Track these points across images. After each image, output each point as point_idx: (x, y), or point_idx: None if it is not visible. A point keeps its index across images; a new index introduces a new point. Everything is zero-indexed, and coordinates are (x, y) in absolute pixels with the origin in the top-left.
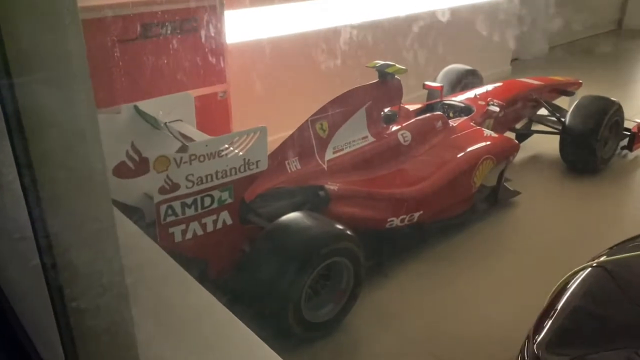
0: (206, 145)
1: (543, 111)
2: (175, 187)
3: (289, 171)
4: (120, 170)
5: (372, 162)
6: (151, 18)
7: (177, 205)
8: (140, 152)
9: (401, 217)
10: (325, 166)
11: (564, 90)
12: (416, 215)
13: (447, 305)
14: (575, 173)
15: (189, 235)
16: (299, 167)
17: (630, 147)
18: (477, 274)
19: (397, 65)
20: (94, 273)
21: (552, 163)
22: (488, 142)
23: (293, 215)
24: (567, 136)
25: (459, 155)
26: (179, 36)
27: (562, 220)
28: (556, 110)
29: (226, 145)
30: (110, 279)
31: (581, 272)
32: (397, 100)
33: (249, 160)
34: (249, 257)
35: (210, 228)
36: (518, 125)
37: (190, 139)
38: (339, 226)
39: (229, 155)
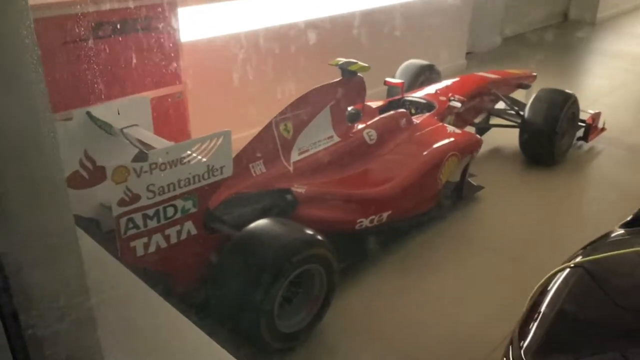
0: (167, 153)
1: (500, 104)
2: (135, 198)
3: (254, 175)
4: (74, 181)
5: (338, 162)
6: (102, 17)
7: (138, 217)
8: (95, 161)
9: (370, 217)
10: (291, 168)
11: (521, 83)
12: (385, 215)
13: (420, 306)
14: (535, 165)
15: (151, 249)
16: (264, 170)
17: (586, 138)
18: (448, 273)
19: (359, 62)
20: (53, 295)
21: (512, 156)
22: (452, 139)
23: (261, 222)
24: (527, 129)
25: (425, 153)
26: (132, 35)
27: (526, 213)
28: (514, 103)
29: (188, 152)
30: (72, 301)
31: (560, 273)
32: (360, 98)
33: (213, 166)
34: (216, 268)
35: (174, 240)
36: (477, 120)
37: (149, 146)
38: (310, 232)
39: (191, 162)
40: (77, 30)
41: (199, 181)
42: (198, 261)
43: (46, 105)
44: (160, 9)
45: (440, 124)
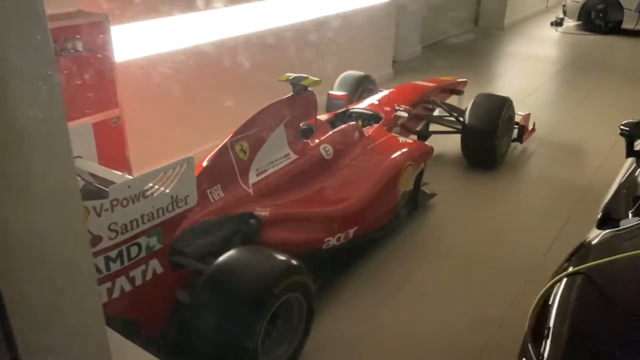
0: (128, 187)
1: (437, 111)
2: (96, 240)
3: (212, 201)
4: None
5: (298, 180)
6: None
7: (100, 261)
8: None
9: (337, 235)
10: (251, 191)
11: (454, 89)
12: (351, 231)
13: (396, 320)
14: (477, 169)
15: (115, 294)
16: (222, 195)
17: (520, 139)
18: (416, 283)
19: (310, 77)
20: None
21: (454, 161)
22: (406, 149)
23: (233, 253)
24: (468, 135)
25: (382, 165)
26: (63, 58)
27: (478, 216)
28: (452, 110)
29: (150, 184)
30: None
31: (559, 284)
32: (313, 113)
33: (177, 196)
34: (191, 307)
35: (139, 281)
36: (417, 128)
37: (102, 179)
38: (285, 258)
39: (154, 195)
40: None
41: (163, 214)
42: (164, 302)
43: None
44: (93, 29)
45: (391, 134)
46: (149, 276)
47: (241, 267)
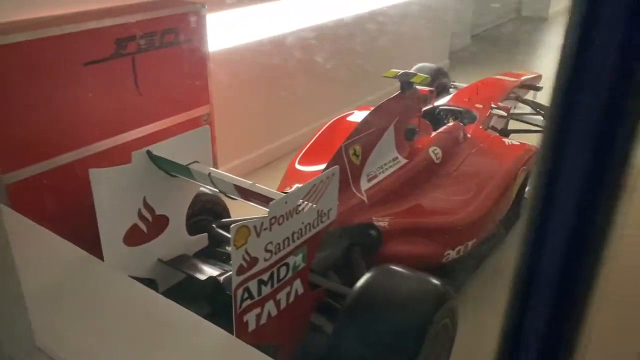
0: (285, 202)
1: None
2: (252, 262)
3: None
4: (132, 236)
5: (408, 186)
6: (125, 31)
7: (253, 285)
8: (154, 209)
9: (457, 248)
10: (365, 198)
11: (532, 85)
12: (470, 243)
13: None
14: None
15: (263, 320)
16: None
17: None
18: None
19: (419, 73)
20: None
21: None
22: (516, 151)
23: (376, 274)
24: None
25: (497, 170)
26: (158, 51)
27: None
28: (539, 107)
29: (301, 199)
30: None
31: None
32: (418, 112)
33: (321, 211)
34: (336, 335)
35: (283, 304)
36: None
37: (238, 187)
38: (436, 280)
39: (305, 210)
40: (100, 49)
41: (310, 230)
42: (303, 325)
43: None
44: (190, 18)
45: (493, 134)
46: (291, 298)
47: (392, 291)
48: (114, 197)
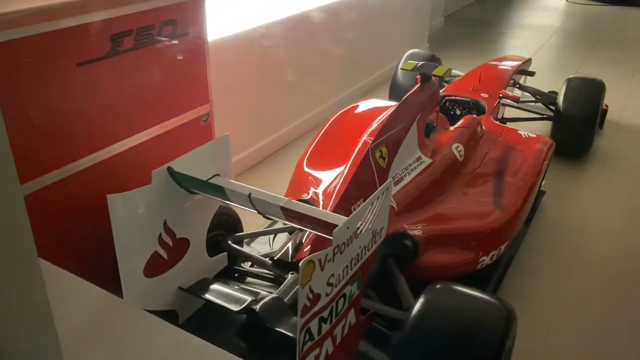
0: (347, 228)
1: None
2: (315, 299)
3: None
4: (152, 266)
5: (436, 189)
6: (121, 25)
7: (314, 325)
8: (175, 233)
9: (491, 253)
10: (395, 205)
11: (526, 70)
12: (503, 247)
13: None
14: (564, 157)
15: None
16: None
17: (601, 124)
18: (558, 297)
19: (440, 65)
20: None
21: None
22: (536, 144)
23: (436, 295)
24: (564, 121)
25: (520, 166)
26: (157, 46)
27: (593, 212)
28: (539, 94)
29: (360, 222)
30: None
31: None
32: (436, 106)
33: (375, 231)
34: None
35: (339, 339)
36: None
37: (285, 210)
38: (496, 300)
39: (363, 232)
40: (96, 46)
41: (365, 254)
42: (353, 356)
43: None
44: (189, 8)
45: (508, 127)
46: (345, 330)
47: (457, 316)
48: (133, 225)
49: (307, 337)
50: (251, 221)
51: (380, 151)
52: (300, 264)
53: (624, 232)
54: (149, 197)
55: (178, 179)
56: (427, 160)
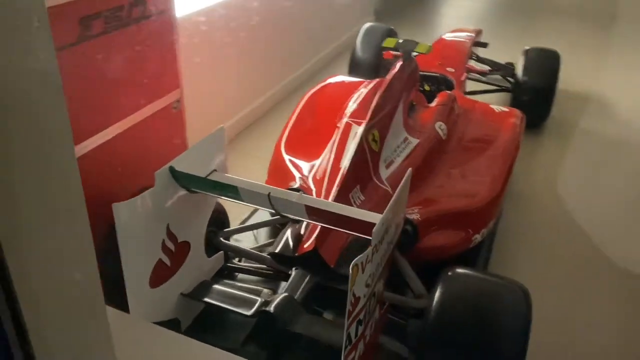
0: (382, 224)
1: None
2: (356, 303)
3: (356, 207)
4: (157, 276)
5: (425, 169)
6: (90, 8)
7: (353, 329)
8: (177, 237)
9: (482, 230)
10: (389, 189)
11: (479, 42)
12: (491, 223)
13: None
14: (527, 127)
15: None
16: (362, 198)
17: None
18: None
19: (421, 42)
20: None
21: None
22: (509, 118)
23: (452, 281)
24: (523, 93)
25: (499, 141)
26: (128, 29)
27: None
28: (495, 66)
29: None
30: None
31: None
32: (416, 84)
33: (398, 223)
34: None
35: (368, 338)
36: None
37: (310, 208)
38: (515, 281)
39: (392, 225)
40: (66, 31)
41: (390, 247)
42: (375, 349)
43: None
44: None
45: (480, 102)
46: (372, 328)
47: (481, 302)
48: (138, 233)
49: (347, 343)
50: (233, 214)
51: (373, 134)
52: (351, 267)
53: (581, 192)
54: (152, 201)
55: (180, 178)
56: (413, 141)
